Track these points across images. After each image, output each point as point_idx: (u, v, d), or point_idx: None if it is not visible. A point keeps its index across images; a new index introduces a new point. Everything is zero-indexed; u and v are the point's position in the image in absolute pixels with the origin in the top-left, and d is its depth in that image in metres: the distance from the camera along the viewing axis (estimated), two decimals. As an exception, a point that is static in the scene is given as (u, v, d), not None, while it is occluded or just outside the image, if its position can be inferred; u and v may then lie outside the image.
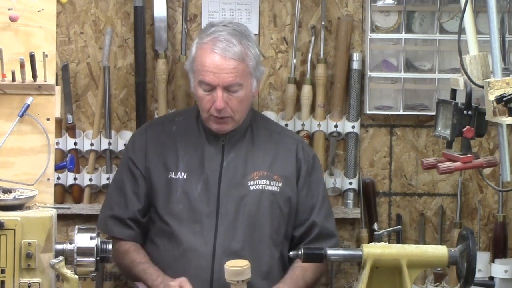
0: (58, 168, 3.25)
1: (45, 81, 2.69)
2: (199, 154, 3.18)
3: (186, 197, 3.13)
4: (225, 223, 3.11)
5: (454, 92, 2.76)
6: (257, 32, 3.69)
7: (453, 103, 2.70)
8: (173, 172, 3.16)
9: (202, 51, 3.11)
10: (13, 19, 2.68)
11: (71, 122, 3.65)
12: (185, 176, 3.15)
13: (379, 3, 3.69)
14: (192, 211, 3.12)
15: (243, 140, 3.20)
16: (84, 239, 2.55)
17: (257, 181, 3.16)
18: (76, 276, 2.48)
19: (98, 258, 2.56)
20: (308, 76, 3.68)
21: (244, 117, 3.18)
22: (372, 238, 2.88)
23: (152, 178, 3.19)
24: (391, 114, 3.72)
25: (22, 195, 2.57)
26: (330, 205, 3.34)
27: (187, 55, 3.60)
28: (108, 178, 3.61)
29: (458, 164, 2.69)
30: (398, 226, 3.45)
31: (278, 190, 3.17)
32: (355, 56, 3.68)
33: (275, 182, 3.17)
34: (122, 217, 3.20)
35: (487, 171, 3.63)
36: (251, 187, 3.15)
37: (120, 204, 3.21)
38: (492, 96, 2.53)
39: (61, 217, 3.43)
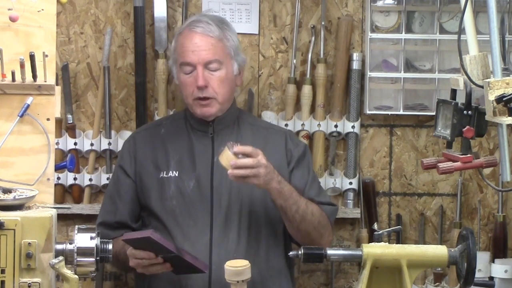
0: (58, 168, 3.25)
1: (45, 81, 2.69)
2: (189, 152, 3.20)
3: (180, 193, 3.15)
4: (220, 217, 3.13)
5: (454, 92, 2.76)
6: (257, 32, 3.70)
7: (453, 103, 2.70)
8: (165, 172, 3.19)
9: (181, 37, 3.21)
10: (13, 19, 2.68)
11: (71, 122, 3.65)
12: (176, 174, 3.18)
13: (379, 3, 3.69)
14: (186, 207, 3.14)
15: (231, 135, 3.22)
16: (84, 239, 2.56)
17: None
18: (76, 276, 2.48)
19: (98, 258, 2.56)
20: (308, 76, 3.68)
21: (227, 101, 3.21)
22: (372, 238, 2.88)
23: (143, 181, 3.21)
24: (391, 114, 3.72)
25: (22, 195, 2.57)
26: (321, 187, 3.34)
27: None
28: (108, 178, 3.61)
29: (458, 164, 2.69)
30: (398, 226, 3.45)
31: None
32: (355, 56, 3.68)
33: None
34: (110, 222, 3.23)
35: (487, 171, 3.62)
36: None
37: (110, 212, 3.25)
38: (492, 96, 2.52)
39: (61, 217, 3.42)
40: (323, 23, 3.67)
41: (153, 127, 3.34)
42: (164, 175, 3.18)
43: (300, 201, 3.10)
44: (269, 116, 3.67)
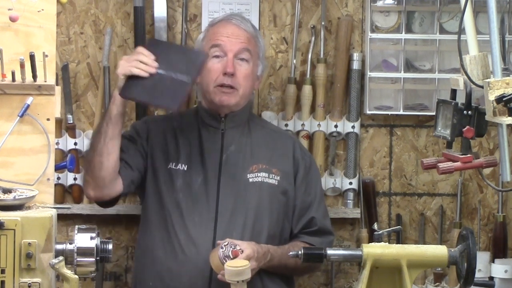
0: (58, 168, 3.25)
1: (45, 81, 2.69)
2: (199, 148, 3.20)
3: (187, 188, 3.15)
4: (225, 215, 3.13)
5: (454, 92, 2.77)
6: (257, 32, 3.70)
7: (453, 103, 2.70)
8: (173, 163, 3.17)
9: (215, 26, 3.24)
10: (13, 19, 2.68)
11: (71, 122, 3.64)
12: (185, 168, 3.17)
13: (379, 3, 3.69)
14: (192, 202, 3.14)
15: (242, 135, 3.23)
16: (84, 239, 2.56)
17: (256, 173, 3.18)
18: (76, 276, 2.48)
19: (98, 258, 2.56)
20: (308, 76, 3.68)
21: (245, 97, 3.21)
22: (372, 238, 2.88)
23: (155, 165, 3.18)
24: (391, 114, 3.72)
25: (22, 195, 2.58)
26: (327, 210, 3.36)
27: (187, 55, 3.62)
28: (108, 178, 3.60)
29: (458, 164, 2.69)
30: (398, 226, 3.45)
31: (277, 184, 3.20)
32: (355, 56, 3.68)
33: (273, 175, 3.20)
34: None
35: (487, 171, 3.63)
36: (251, 180, 3.17)
37: None
38: (492, 96, 2.53)
39: (61, 217, 3.42)
40: (323, 23, 3.67)
41: (165, 119, 3.31)
42: (173, 167, 3.17)
43: (286, 260, 3.11)
44: (269, 116, 3.67)
